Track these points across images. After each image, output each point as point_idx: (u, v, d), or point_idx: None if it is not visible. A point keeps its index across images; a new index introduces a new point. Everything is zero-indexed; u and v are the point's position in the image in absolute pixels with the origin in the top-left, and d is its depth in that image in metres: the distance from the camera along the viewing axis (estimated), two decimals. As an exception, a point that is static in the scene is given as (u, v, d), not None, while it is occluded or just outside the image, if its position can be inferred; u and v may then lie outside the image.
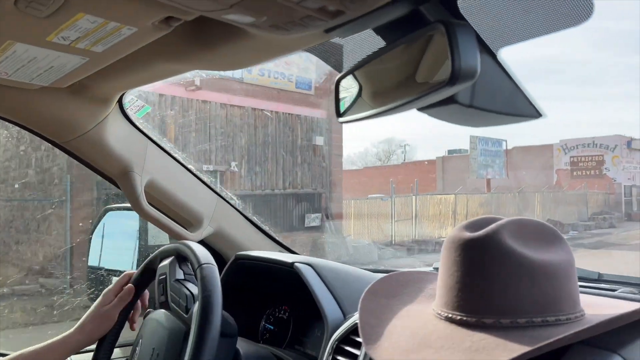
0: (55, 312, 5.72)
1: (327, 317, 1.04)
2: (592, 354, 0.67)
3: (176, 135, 9.03)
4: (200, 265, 0.91)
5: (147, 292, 1.14)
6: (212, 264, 0.92)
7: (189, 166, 1.37)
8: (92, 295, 1.86)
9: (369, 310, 0.82)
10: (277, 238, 1.56)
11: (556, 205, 21.22)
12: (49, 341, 1.03)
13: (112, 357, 1.10)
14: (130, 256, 1.97)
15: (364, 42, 0.64)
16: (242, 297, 1.32)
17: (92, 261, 1.84)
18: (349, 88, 0.68)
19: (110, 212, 1.88)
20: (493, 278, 0.69)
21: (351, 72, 0.66)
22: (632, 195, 27.01)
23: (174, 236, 1.34)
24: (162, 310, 1.02)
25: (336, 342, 1.00)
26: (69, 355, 1.07)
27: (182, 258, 1.00)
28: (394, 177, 30.19)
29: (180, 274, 1.01)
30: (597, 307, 0.76)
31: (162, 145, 1.29)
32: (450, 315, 0.72)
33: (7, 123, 1.12)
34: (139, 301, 1.12)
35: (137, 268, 1.14)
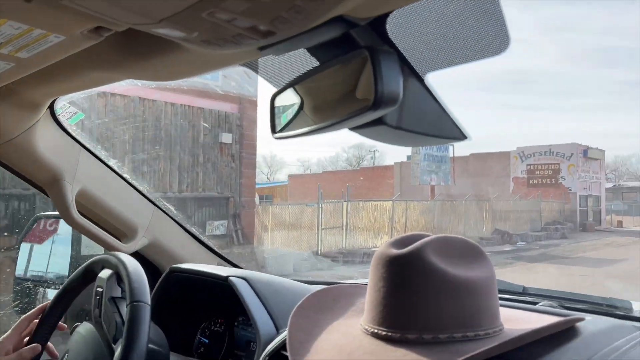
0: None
1: (260, 331, 1.07)
2: None
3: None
4: (132, 302, 0.91)
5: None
6: (144, 303, 0.91)
7: (125, 175, 1.36)
8: (16, 308, 1.77)
9: (298, 326, 0.85)
10: (216, 249, 1.56)
11: (508, 214, 20.17)
12: None
13: None
14: (60, 267, 1.83)
15: (301, 60, 0.68)
16: (177, 310, 1.32)
17: (19, 271, 1.72)
18: (284, 105, 0.71)
19: (40, 220, 1.85)
20: (416, 294, 0.75)
21: (286, 88, 0.70)
22: (587, 205, 26.34)
23: (107, 247, 1.32)
24: (91, 327, 1.04)
25: (267, 358, 1.02)
26: None
27: (120, 278, 0.99)
28: (352, 183, 29.05)
29: (117, 292, 1.02)
30: (516, 322, 0.83)
31: (96, 153, 1.29)
32: (375, 331, 0.77)
33: None
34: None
35: (68, 277, 1.13)
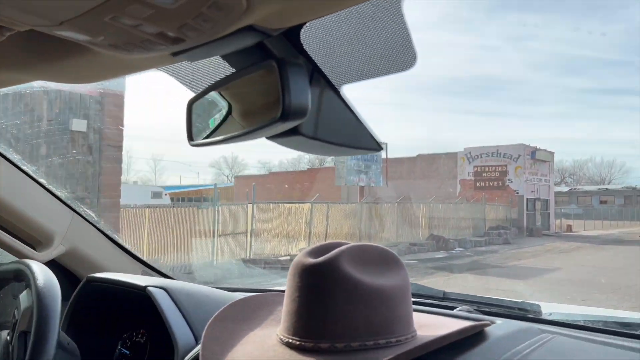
0: None
1: (178, 342, 1.06)
2: None
3: None
4: (38, 317, 0.90)
5: None
6: (50, 319, 0.91)
7: (40, 180, 1.32)
8: None
9: (213, 337, 0.85)
10: (142, 258, 1.54)
11: (448, 218, 18.72)
12: None
13: None
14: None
15: (220, 67, 0.68)
16: (96, 321, 1.28)
17: None
18: (200, 112, 0.71)
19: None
20: (330, 303, 0.76)
21: (201, 96, 0.70)
22: (535, 208, 25.15)
23: (18, 256, 1.26)
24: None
25: None
26: None
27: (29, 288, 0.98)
28: (300, 184, 27.18)
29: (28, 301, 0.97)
30: (429, 327, 0.86)
31: (8, 156, 1.25)
32: (290, 341, 0.78)
33: None
34: None
35: None
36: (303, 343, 0.76)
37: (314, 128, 0.62)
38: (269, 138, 0.64)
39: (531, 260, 15.08)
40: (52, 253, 1.30)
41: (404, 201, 18.41)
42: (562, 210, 36.95)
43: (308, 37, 0.61)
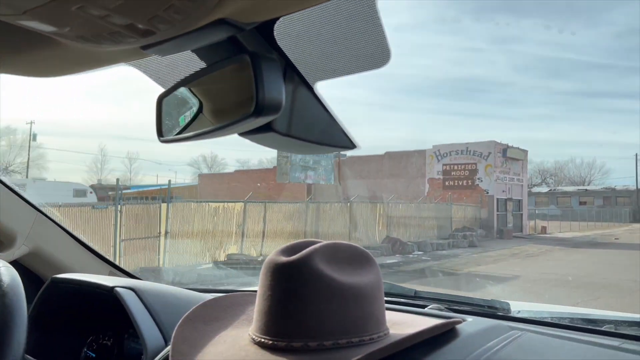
0: None
1: (147, 344, 1.04)
2: None
3: None
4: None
5: None
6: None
7: (2, 178, 1.29)
8: None
9: (182, 338, 0.83)
10: (109, 258, 1.50)
11: (410, 219, 17.14)
12: None
13: None
14: None
15: (190, 62, 0.67)
16: (61, 323, 1.25)
17: None
18: (170, 108, 0.70)
19: None
20: (303, 302, 0.76)
21: (171, 91, 0.69)
22: (506, 209, 23.67)
23: None
24: None
25: None
26: None
27: None
28: (266, 182, 25.31)
29: None
30: (401, 325, 0.87)
31: None
32: (262, 340, 0.77)
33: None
34: None
35: None
36: (276, 342, 0.75)
37: (287, 125, 0.61)
38: (241, 135, 0.63)
39: (491, 266, 13.72)
40: (14, 253, 1.28)
41: (360, 200, 16.83)
42: (537, 211, 35.72)
43: (281, 33, 0.61)
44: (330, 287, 0.76)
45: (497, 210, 23.97)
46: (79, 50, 0.62)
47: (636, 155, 50.94)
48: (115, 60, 0.67)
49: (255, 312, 0.80)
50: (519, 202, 26.23)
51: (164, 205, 11.09)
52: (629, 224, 42.37)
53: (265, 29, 0.59)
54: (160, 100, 0.69)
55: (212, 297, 0.99)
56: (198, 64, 0.65)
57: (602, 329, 1.07)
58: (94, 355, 1.25)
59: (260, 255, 12.37)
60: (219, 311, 0.91)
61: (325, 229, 14.69)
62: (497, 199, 24.04)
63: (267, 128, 0.60)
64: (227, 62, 0.60)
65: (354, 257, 0.82)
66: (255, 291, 0.85)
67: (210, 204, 12.44)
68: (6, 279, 0.87)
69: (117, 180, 12.89)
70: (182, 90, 0.67)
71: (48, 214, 1.38)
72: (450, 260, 14.79)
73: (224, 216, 12.24)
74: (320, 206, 15.17)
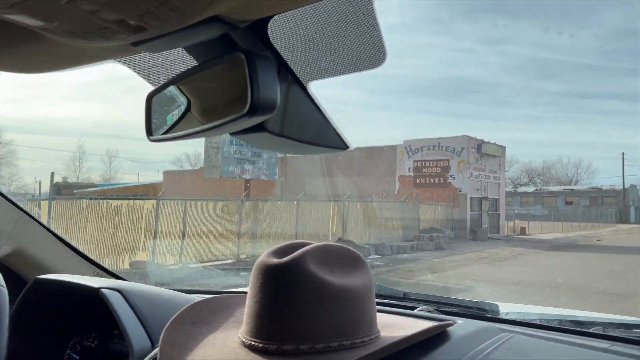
0: None
1: (134, 346, 1.01)
2: None
3: None
4: None
5: None
6: None
7: None
8: None
9: (171, 341, 0.82)
10: (93, 259, 1.47)
11: (370, 219, 15.32)
12: None
13: None
14: None
15: (182, 59, 0.66)
16: (43, 324, 1.22)
17: None
18: (160, 106, 0.69)
19: None
20: (294, 304, 0.75)
21: (161, 89, 0.67)
22: (481, 209, 21.90)
23: None
24: None
25: None
26: None
27: None
28: (232, 180, 23.29)
29: None
30: (392, 328, 0.86)
31: None
32: (252, 343, 0.76)
33: None
34: None
35: None
36: (266, 345, 0.74)
37: (280, 125, 0.60)
38: (233, 134, 0.62)
39: (449, 273, 12.15)
40: None
41: (313, 199, 15.07)
42: (521, 211, 34.08)
43: (275, 31, 0.60)
44: (321, 289, 0.75)
45: (471, 210, 22.26)
46: (68, 46, 0.61)
47: (622, 154, 49.67)
48: (104, 56, 0.66)
49: (246, 314, 0.79)
50: (495, 202, 24.53)
51: (85, 202, 9.99)
52: (614, 225, 41.36)
53: (259, 27, 0.58)
54: (149, 99, 0.68)
55: (200, 298, 0.97)
56: (189, 62, 0.64)
57: (591, 330, 1.08)
58: (77, 357, 1.23)
59: (179, 262, 10.60)
60: (208, 313, 0.89)
61: (266, 228, 12.91)
62: (471, 198, 22.34)
63: (259, 128, 0.58)
64: (220, 60, 0.59)
65: (346, 259, 0.82)
66: (245, 292, 0.85)
67: (112, 201, 10.58)
68: None
69: (52, 174, 11.70)
70: (172, 89, 0.65)
71: (30, 214, 1.34)
72: (405, 266, 13.16)
73: (130, 215, 10.40)
74: (259, 204, 13.35)
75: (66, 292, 1.17)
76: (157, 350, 0.88)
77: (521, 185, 67.83)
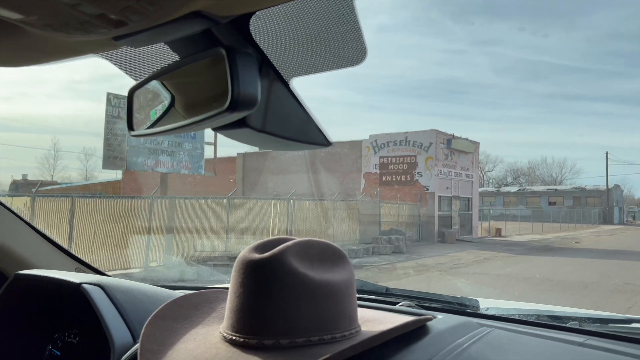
0: None
1: (115, 342, 1.00)
2: None
3: None
4: None
5: None
6: None
7: None
8: None
9: (152, 336, 0.81)
10: (74, 254, 1.45)
11: (324, 220, 13.55)
12: None
13: None
14: None
15: (164, 54, 0.65)
16: (24, 320, 1.20)
17: None
18: (142, 101, 0.68)
19: None
20: (275, 299, 0.75)
21: (143, 84, 0.67)
22: (451, 209, 20.09)
23: None
24: None
25: None
26: None
27: None
28: (192, 178, 21.31)
29: None
30: (373, 322, 0.86)
31: None
32: (233, 338, 0.76)
33: None
34: None
35: None
36: (247, 340, 0.75)
37: (262, 121, 0.59)
38: (215, 129, 0.62)
39: (390, 284, 10.00)
40: None
41: (255, 197, 13.24)
42: (500, 212, 32.43)
43: (257, 27, 0.60)
44: (302, 285, 0.75)
45: (439, 210, 20.48)
46: (47, 40, 0.60)
47: (606, 153, 48.34)
48: (85, 50, 0.65)
49: (227, 309, 0.79)
50: (468, 201, 22.78)
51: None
52: (597, 226, 40.20)
53: (241, 23, 0.58)
54: (131, 94, 0.68)
55: (183, 294, 0.96)
56: (171, 57, 0.63)
57: (567, 325, 1.10)
58: (58, 353, 1.21)
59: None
60: (190, 308, 0.89)
61: (189, 224, 11.06)
62: (440, 197, 20.57)
63: (241, 123, 0.58)
64: (201, 55, 0.59)
65: (327, 254, 0.82)
66: (227, 288, 0.84)
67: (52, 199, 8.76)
68: None
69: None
70: (154, 84, 0.65)
71: (9, 207, 1.33)
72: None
73: (57, 215, 8.56)
74: (175, 203, 11.43)
75: (47, 288, 1.16)
76: (138, 345, 0.88)
77: (506, 185, 66.61)
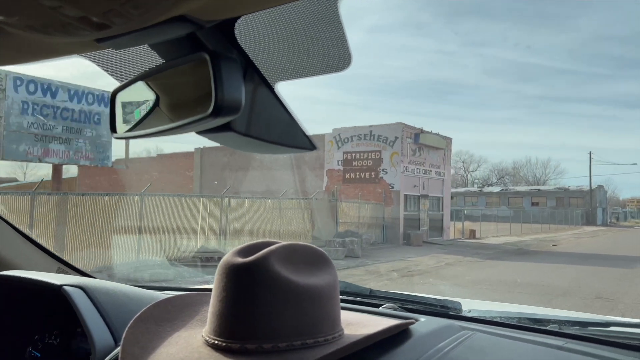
0: None
1: (96, 345, 0.99)
2: None
3: None
4: None
5: None
6: None
7: None
8: None
9: (133, 339, 0.80)
10: (57, 254, 1.42)
11: (269, 221, 11.94)
12: None
13: None
14: None
15: (149, 56, 0.65)
16: (5, 321, 1.18)
17: None
18: (125, 102, 0.68)
19: None
20: (258, 303, 0.75)
21: (127, 86, 0.66)
22: (419, 209, 18.42)
23: None
24: None
25: None
26: None
27: None
28: (148, 174, 22.56)
29: None
30: (356, 326, 0.86)
31: None
32: (216, 342, 0.76)
33: None
34: None
35: None
36: (229, 344, 0.74)
37: (247, 125, 0.59)
38: (199, 133, 0.62)
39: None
40: None
41: (169, 194, 11.50)
42: (474, 212, 30.90)
43: (242, 32, 0.59)
44: (285, 289, 0.75)
45: (405, 210, 18.82)
46: (29, 40, 0.59)
47: (590, 153, 47.22)
48: (67, 51, 0.64)
49: (210, 313, 0.79)
50: (438, 200, 21.14)
51: None
52: (580, 227, 39.04)
53: (226, 27, 0.58)
54: (114, 95, 0.67)
55: (166, 296, 0.96)
56: (156, 59, 0.63)
57: (548, 328, 1.10)
58: (39, 355, 1.19)
59: None
60: (172, 311, 0.88)
61: (75, 232, 9.32)
62: (406, 196, 18.90)
63: (225, 127, 0.58)
64: (185, 59, 0.58)
65: (311, 258, 0.82)
66: (211, 290, 0.83)
67: None
68: None
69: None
70: (138, 85, 0.64)
71: None
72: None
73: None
74: (81, 200, 9.67)
75: (28, 289, 1.14)
76: (119, 348, 0.87)
77: (490, 185, 65.69)
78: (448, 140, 21.75)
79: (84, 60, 0.67)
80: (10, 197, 9.30)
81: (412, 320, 0.92)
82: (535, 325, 1.10)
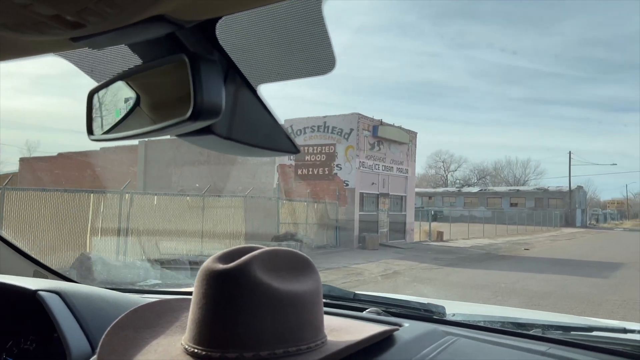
0: None
1: (72, 352, 0.97)
2: None
3: None
4: None
5: None
6: None
7: None
8: None
9: (110, 347, 0.78)
10: (34, 257, 1.37)
11: (191, 222, 9.64)
12: None
13: None
14: None
15: (128, 56, 0.63)
16: None
17: None
18: (102, 103, 0.66)
19: None
20: (239, 311, 0.74)
21: (104, 86, 0.64)
22: (377, 208, 16.50)
23: None
24: None
25: None
26: None
27: None
28: (91, 169, 20.87)
29: None
30: (340, 332, 0.85)
31: None
32: (195, 350, 0.74)
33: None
34: None
35: None
36: (209, 353, 0.72)
37: (228, 128, 0.58)
38: (179, 136, 0.60)
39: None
40: None
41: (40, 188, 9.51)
42: (444, 213, 29.12)
43: (224, 32, 0.58)
44: (267, 296, 0.74)
45: (362, 209, 16.93)
46: (3, 39, 0.57)
47: (569, 153, 45.99)
48: (42, 50, 0.63)
49: (189, 320, 0.77)
50: (401, 200, 19.29)
51: None
52: (558, 229, 37.78)
53: (207, 28, 0.56)
54: (91, 96, 0.65)
55: (146, 300, 0.93)
56: (135, 59, 0.61)
57: (531, 333, 1.10)
58: None
59: None
60: (151, 318, 0.86)
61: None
62: (362, 194, 17.02)
63: (206, 130, 0.56)
64: (164, 60, 0.57)
65: (294, 264, 0.81)
66: (191, 293, 0.82)
67: None
68: None
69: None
70: (119, 84, 0.62)
71: None
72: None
73: None
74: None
75: (2, 294, 1.13)
76: (95, 357, 0.86)
77: (469, 185, 64.56)
78: (412, 135, 19.93)
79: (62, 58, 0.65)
80: None
81: (397, 327, 0.92)
82: (518, 330, 1.12)
